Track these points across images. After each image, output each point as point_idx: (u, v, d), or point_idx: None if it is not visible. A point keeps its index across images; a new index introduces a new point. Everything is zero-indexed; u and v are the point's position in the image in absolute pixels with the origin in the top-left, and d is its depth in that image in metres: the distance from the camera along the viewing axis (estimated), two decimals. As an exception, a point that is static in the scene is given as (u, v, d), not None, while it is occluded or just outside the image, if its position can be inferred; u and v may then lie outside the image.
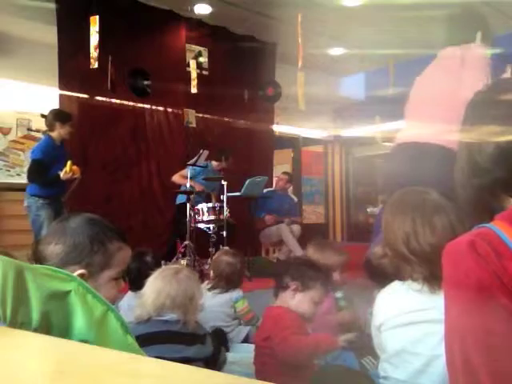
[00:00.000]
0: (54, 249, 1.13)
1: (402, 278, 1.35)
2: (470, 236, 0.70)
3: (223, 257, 2.75)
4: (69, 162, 3.91)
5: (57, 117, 4.08)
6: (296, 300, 1.83)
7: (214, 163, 5.31)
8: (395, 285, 1.38)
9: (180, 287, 1.71)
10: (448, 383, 0.72)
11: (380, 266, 1.62)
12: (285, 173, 6.49)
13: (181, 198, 5.11)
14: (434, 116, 2.26)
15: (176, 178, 5.20)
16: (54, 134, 4.06)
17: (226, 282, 2.65)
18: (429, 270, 1.24)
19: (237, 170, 5.53)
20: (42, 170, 3.93)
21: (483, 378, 0.64)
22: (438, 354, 1.18)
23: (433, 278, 1.24)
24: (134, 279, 2.29)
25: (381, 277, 1.57)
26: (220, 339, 2.26)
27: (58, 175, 3.89)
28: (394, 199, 1.41)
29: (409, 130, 2.48)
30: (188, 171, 4.92)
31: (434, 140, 2.22)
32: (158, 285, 1.71)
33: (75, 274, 1.01)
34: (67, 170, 3.90)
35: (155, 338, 1.61)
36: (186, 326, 1.68)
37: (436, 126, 2.22)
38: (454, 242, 0.73)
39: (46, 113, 4.16)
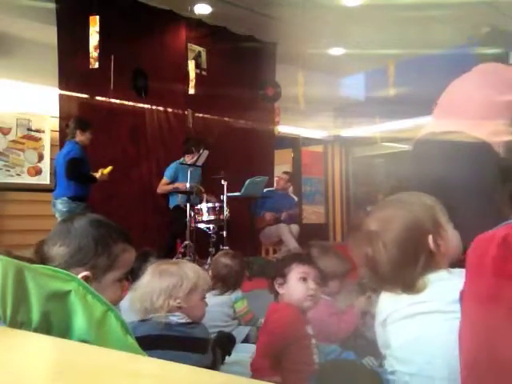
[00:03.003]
0: (58, 250, 1.12)
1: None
2: (503, 230, 0.71)
3: (222, 258, 2.72)
4: (110, 167, 4.31)
5: (77, 125, 4.32)
6: (282, 294, 1.81)
7: (188, 157, 5.08)
8: None
9: (176, 280, 1.65)
10: (457, 374, 0.72)
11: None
12: (285, 172, 6.51)
13: (173, 201, 5.13)
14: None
15: (160, 189, 5.23)
16: (77, 141, 4.29)
17: (224, 283, 2.63)
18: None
19: (237, 170, 5.52)
20: (81, 168, 4.18)
21: (506, 370, 0.64)
22: (445, 345, 1.15)
23: None
24: (138, 279, 2.27)
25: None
26: (226, 346, 2.12)
27: (94, 176, 4.23)
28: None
29: (435, 123, 2.42)
30: (166, 178, 5.12)
31: (469, 131, 2.17)
32: (154, 281, 1.68)
33: (79, 276, 1.00)
34: (104, 172, 4.25)
35: (156, 343, 1.57)
36: (190, 328, 1.62)
37: (468, 123, 2.17)
38: (486, 236, 0.73)
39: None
